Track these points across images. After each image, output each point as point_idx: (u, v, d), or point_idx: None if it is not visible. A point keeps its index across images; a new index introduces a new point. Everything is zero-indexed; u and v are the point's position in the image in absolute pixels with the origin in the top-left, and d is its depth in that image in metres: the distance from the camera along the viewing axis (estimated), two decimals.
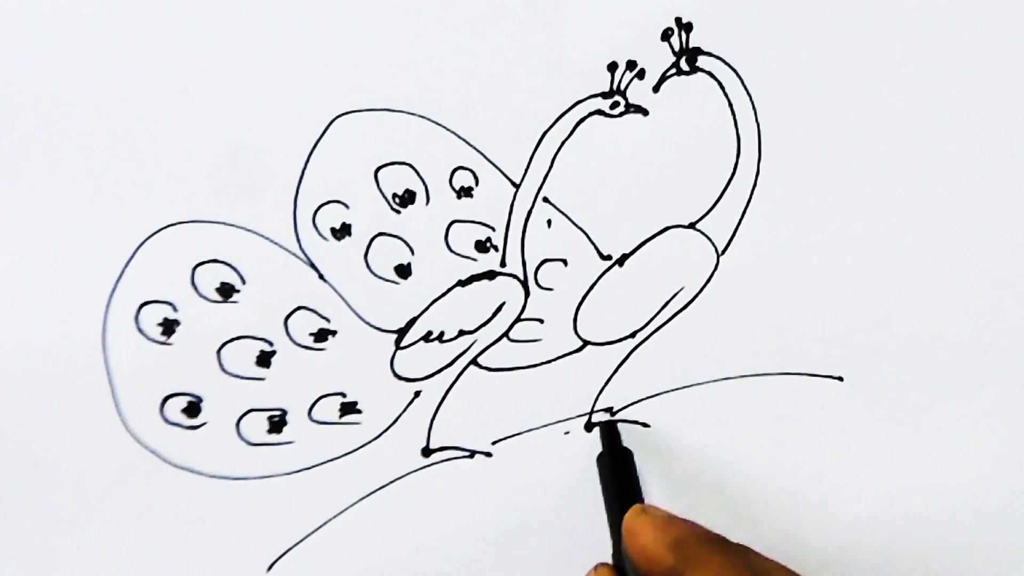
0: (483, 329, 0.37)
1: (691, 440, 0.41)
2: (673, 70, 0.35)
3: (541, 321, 0.37)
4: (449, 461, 0.39)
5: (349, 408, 0.37)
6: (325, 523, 0.38)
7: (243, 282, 0.34)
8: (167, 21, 0.31)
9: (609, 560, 0.35)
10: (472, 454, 0.39)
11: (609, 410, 0.39)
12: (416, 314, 0.36)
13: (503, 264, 0.36)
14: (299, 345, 0.35)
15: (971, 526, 0.40)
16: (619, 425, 0.39)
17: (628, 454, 0.38)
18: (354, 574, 0.39)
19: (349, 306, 0.35)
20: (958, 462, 0.42)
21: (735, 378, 0.40)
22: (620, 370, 0.39)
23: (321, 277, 0.35)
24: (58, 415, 0.34)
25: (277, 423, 0.36)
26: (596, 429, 0.39)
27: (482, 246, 0.36)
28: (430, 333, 0.36)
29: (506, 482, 0.40)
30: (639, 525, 0.33)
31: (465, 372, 0.37)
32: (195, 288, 0.34)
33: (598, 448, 0.39)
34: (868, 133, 0.37)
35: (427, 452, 0.38)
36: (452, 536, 0.40)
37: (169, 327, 0.34)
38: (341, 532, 0.38)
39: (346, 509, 0.38)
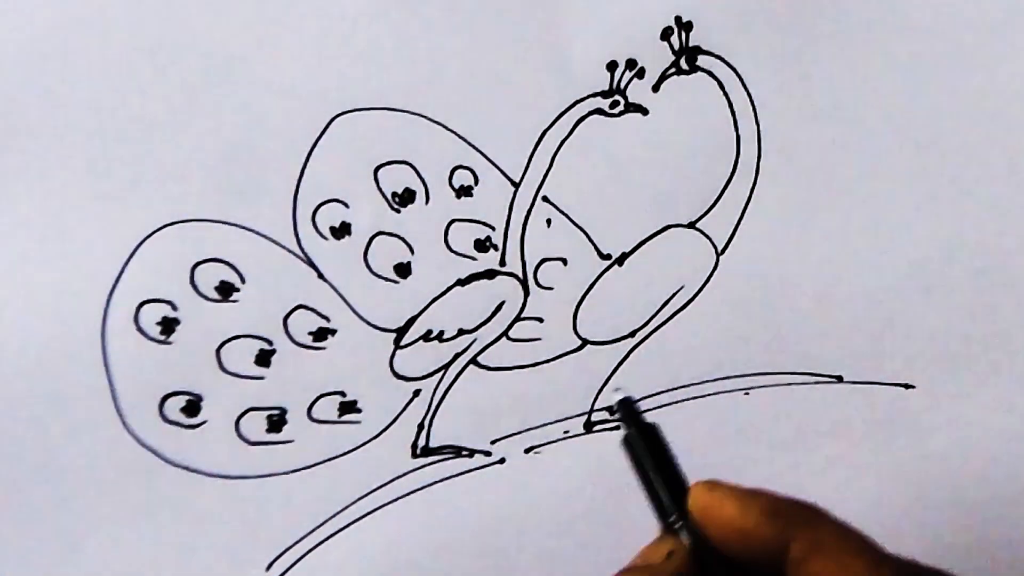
0: (483, 328, 0.37)
1: (690, 439, 0.40)
2: (673, 69, 0.35)
3: (541, 320, 0.37)
4: (448, 460, 0.39)
5: (348, 407, 0.37)
6: (324, 522, 0.38)
7: (242, 281, 0.34)
8: (167, 21, 0.31)
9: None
10: (471, 453, 0.39)
11: (609, 409, 0.39)
12: (416, 313, 0.36)
13: (503, 263, 0.36)
14: (298, 344, 0.35)
15: (971, 526, 0.40)
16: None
17: (655, 428, 0.36)
18: (353, 572, 0.39)
19: (349, 305, 0.35)
20: (957, 462, 0.42)
21: (734, 377, 0.40)
22: (620, 369, 0.39)
23: (321, 276, 0.35)
24: (58, 414, 0.34)
25: (276, 422, 0.36)
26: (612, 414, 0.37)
27: (482, 245, 0.36)
28: (429, 332, 0.36)
29: (506, 480, 0.40)
30: (717, 500, 0.30)
31: (465, 371, 0.37)
32: (195, 287, 0.34)
33: (602, 447, 0.39)
34: (867, 132, 0.37)
35: (426, 451, 0.38)
36: (451, 535, 0.40)
37: (169, 326, 0.34)
38: (340, 531, 0.38)
39: (345, 508, 0.38)
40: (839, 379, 0.40)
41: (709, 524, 0.30)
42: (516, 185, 0.35)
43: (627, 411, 0.35)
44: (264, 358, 0.35)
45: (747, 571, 0.30)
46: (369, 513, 0.38)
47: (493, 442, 0.39)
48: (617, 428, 0.40)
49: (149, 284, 0.33)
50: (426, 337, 0.36)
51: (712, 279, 0.38)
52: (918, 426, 0.41)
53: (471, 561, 0.40)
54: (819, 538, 0.29)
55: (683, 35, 0.35)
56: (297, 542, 0.38)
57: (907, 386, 0.40)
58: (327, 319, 0.35)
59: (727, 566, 0.30)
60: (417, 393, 0.37)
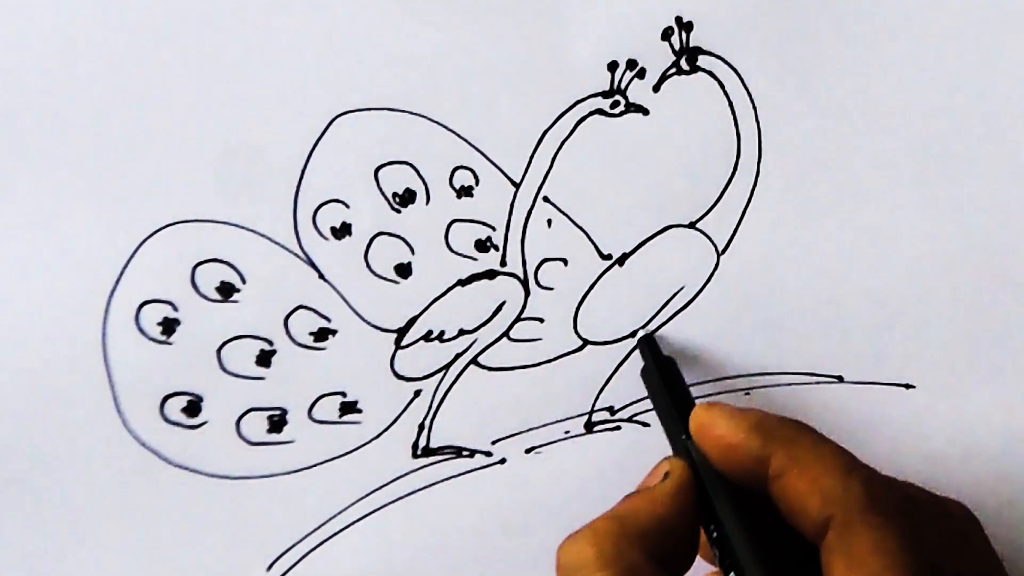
0: (483, 328, 0.37)
1: None
2: (673, 69, 0.35)
3: (541, 320, 0.37)
4: (449, 460, 0.39)
5: (349, 407, 0.37)
6: (325, 522, 0.38)
7: (243, 281, 0.34)
8: (167, 19, 0.31)
9: None
10: (472, 453, 0.39)
11: (610, 409, 0.39)
12: (416, 313, 0.36)
13: (503, 263, 0.36)
14: (299, 344, 0.35)
15: None
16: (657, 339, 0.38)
17: (672, 362, 0.37)
18: (354, 572, 0.39)
19: (349, 305, 0.35)
20: (957, 462, 0.42)
21: (734, 377, 0.40)
22: (620, 370, 0.39)
23: (321, 276, 0.35)
24: (58, 415, 0.34)
25: (277, 422, 0.36)
26: (636, 346, 0.38)
27: (482, 245, 0.36)
28: (430, 332, 0.36)
29: (506, 481, 0.40)
30: (712, 417, 0.32)
31: (465, 371, 0.37)
32: (195, 287, 0.34)
33: (603, 447, 0.39)
34: (868, 133, 0.37)
35: (427, 451, 0.38)
36: (451, 535, 0.40)
37: (169, 326, 0.34)
38: (341, 531, 0.38)
39: (346, 508, 0.38)
40: (839, 379, 0.40)
41: (705, 441, 0.32)
42: (517, 185, 0.35)
43: (646, 346, 0.36)
44: (265, 358, 0.35)
45: (740, 486, 0.31)
46: (370, 513, 0.38)
47: (494, 442, 0.39)
48: (617, 428, 0.40)
49: (149, 284, 0.33)
50: (427, 337, 0.36)
51: (712, 279, 0.38)
52: (918, 426, 0.41)
53: (472, 561, 0.40)
54: (795, 453, 0.30)
55: (684, 35, 0.35)
56: (298, 542, 0.38)
57: (907, 386, 0.40)
58: (328, 319, 0.35)
59: (721, 481, 0.31)
60: (418, 393, 0.37)
